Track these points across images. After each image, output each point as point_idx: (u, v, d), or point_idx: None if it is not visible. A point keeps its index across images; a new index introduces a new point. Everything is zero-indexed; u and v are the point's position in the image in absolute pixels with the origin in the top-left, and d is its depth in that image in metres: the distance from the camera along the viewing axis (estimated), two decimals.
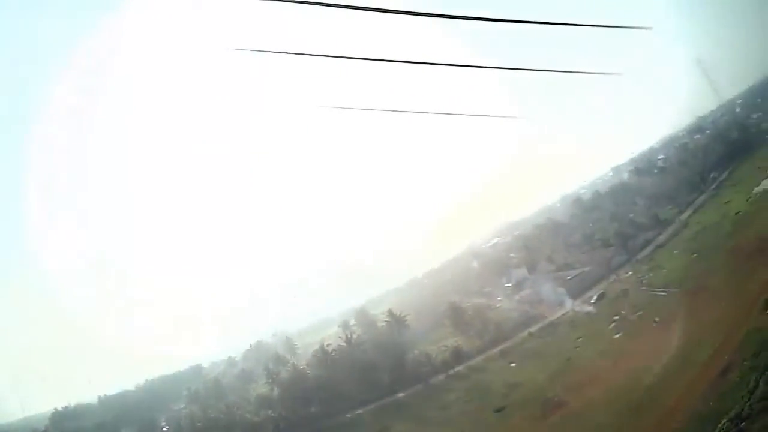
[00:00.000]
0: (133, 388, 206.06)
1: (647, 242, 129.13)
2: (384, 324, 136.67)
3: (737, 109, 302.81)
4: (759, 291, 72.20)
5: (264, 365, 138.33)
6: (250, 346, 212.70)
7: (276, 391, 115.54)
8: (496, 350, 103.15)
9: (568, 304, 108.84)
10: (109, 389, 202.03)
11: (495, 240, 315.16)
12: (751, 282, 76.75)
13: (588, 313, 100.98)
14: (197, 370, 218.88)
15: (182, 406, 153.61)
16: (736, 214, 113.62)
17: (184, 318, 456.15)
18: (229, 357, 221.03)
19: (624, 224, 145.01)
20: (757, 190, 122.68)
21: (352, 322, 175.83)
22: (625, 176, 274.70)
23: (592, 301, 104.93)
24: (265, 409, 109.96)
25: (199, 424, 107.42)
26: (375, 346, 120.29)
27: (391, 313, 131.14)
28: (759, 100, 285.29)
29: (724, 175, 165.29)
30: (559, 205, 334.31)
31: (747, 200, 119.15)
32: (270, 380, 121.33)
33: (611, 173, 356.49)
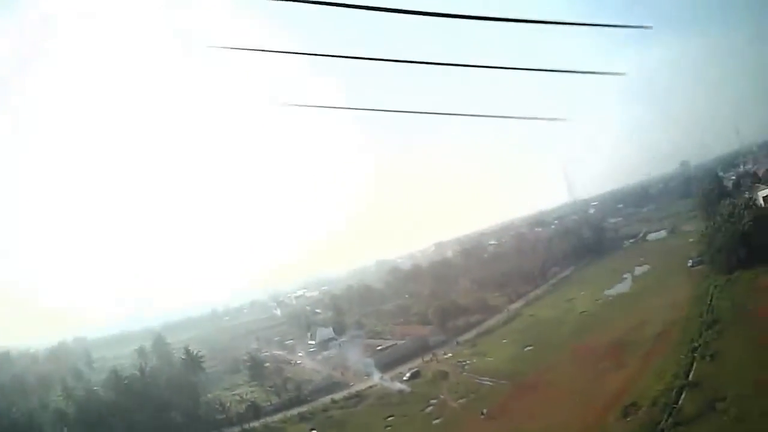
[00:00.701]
0: None
1: (470, 325, 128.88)
2: (180, 360, 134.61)
3: (591, 210, 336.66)
4: (614, 396, 68.33)
5: (61, 375, 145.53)
6: (52, 346, 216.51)
7: (72, 408, 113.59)
8: (294, 411, 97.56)
9: (376, 376, 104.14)
10: None
11: (302, 291, 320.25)
12: (604, 385, 73.12)
13: (400, 391, 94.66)
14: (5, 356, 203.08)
15: None
16: (581, 313, 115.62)
17: None
18: (32, 351, 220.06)
19: (445, 302, 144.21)
20: (609, 292, 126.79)
21: (149, 348, 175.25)
22: (449, 254, 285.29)
23: (405, 378, 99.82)
24: (61, 424, 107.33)
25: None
26: (169, 381, 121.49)
27: (187, 351, 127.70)
28: (620, 205, 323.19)
29: (568, 272, 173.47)
30: (373, 269, 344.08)
31: (596, 301, 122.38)
32: (65, 395, 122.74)
33: (433, 248, 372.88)
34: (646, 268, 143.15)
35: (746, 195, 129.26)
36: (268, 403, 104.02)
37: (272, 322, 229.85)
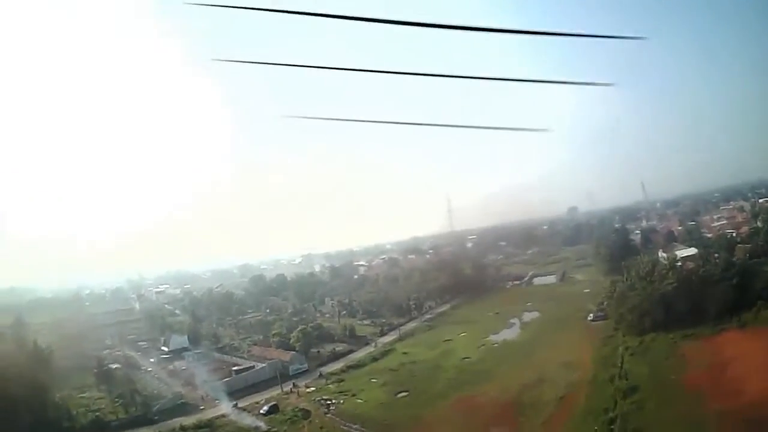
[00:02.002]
0: None
1: (337, 356, 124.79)
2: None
3: (468, 244, 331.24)
4: None
5: None
6: None
7: None
8: None
9: (229, 405, 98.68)
10: None
11: (164, 286, 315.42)
12: None
13: (256, 429, 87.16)
14: None
15: None
16: (463, 359, 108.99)
17: None
18: None
19: (309, 326, 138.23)
20: (494, 338, 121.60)
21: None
22: (317, 268, 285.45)
23: (262, 411, 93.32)
24: None
25: None
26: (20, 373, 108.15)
27: (36, 344, 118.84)
28: (503, 243, 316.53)
29: (445, 308, 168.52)
30: (237, 273, 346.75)
31: (479, 347, 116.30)
32: None
33: (300, 259, 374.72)
34: (535, 314, 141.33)
35: (662, 254, 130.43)
36: (114, 418, 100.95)
37: (130, 317, 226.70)
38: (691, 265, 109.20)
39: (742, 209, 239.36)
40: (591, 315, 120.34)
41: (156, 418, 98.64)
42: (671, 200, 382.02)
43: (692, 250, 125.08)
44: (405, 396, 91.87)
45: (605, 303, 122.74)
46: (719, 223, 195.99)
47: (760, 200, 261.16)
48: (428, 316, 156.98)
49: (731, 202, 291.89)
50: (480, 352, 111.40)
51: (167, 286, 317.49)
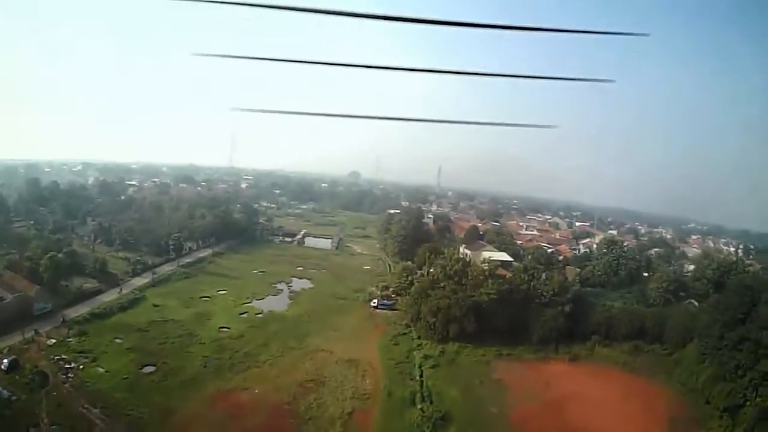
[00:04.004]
0: None
1: (84, 295, 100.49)
2: None
3: (243, 185, 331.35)
4: None
5: None
6: None
7: None
8: None
9: None
10: None
11: None
12: None
13: None
14: None
15: None
16: (220, 329, 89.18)
17: None
18: None
19: (64, 248, 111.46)
20: (258, 304, 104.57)
21: None
22: (90, 180, 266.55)
23: (3, 367, 70.46)
24: None
25: None
26: None
27: None
28: (278, 191, 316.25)
29: (207, 253, 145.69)
30: (22, 170, 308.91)
31: (240, 315, 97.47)
32: None
33: (81, 167, 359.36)
34: (307, 283, 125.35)
35: (465, 250, 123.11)
36: None
37: None
38: (508, 274, 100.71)
39: (557, 226, 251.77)
40: (375, 300, 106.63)
41: None
42: (464, 192, 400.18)
43: (506, 256, 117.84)
44: (153, 373, 71.46)
45: (393, 291, 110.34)
46: (529, 233, 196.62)
47: (577, 223, 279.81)
48: (187, 260, 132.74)
49: (539, 215, 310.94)
50: (242, 324, 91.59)
51: None
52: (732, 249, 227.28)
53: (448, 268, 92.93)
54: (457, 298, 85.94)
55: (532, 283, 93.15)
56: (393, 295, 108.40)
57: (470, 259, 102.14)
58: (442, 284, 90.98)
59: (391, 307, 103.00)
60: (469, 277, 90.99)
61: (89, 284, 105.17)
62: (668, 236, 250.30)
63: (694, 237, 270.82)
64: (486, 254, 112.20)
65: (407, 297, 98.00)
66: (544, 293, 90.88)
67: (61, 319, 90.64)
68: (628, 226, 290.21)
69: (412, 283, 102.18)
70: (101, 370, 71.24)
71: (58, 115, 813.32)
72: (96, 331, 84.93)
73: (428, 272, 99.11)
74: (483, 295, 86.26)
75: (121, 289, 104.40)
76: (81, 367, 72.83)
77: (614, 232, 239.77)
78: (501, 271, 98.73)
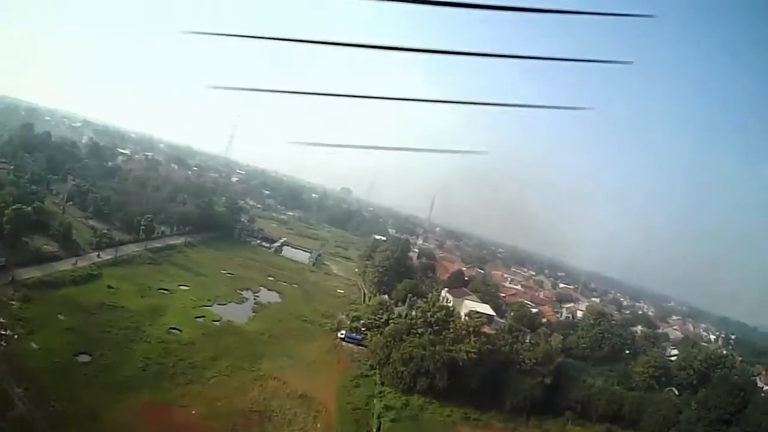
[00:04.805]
0: None
1: (40, 258, 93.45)
2: None
3: (234, 178, 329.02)
4: None
5: None
6: None
7: None
8: None
9: None
10: None
11: None
12: None
13: None
14: None
15: None
16: (170, 330, 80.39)
17: None
18: None
19: (34, 202, 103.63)
20: (218, 310, 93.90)
21: None
22: (84, 139, 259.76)
23: None
24: None
25: None
26: None
27: None
28: (267, 192, 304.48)
29: (178, 241, 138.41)
30: (23, 113, 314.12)
31: (195, 319, 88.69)
32: None
33: (80, 124, 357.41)
34: (275, 296, 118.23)
35: (447, 294, 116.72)
36: None
37: None
38: (490, 331, 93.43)
39: (541, 284, 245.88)
40: (343, 332, 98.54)
41: None
42: (452, 231, 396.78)
43: (489, 309, 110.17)
44: (87, 364, 63.34)
45: (365, 325, 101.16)
46: (513, 287, 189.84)
47: (561, 284, 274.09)
48: (157, 245, 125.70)
49: (524, 269, 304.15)
50: (195, 329, 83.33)
51: None
52: (712, 337, 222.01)
53: (429, 314, 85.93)
54: (433, 351, 78.73)
55: (515, 347, 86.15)
56: (363, 329, 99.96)
57: (453, 308, 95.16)
58: (419, 330, 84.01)
59: (357, 342, 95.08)
60: (451, 330, 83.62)
61: (50, 247, 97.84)
62: (650, 313, 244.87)
63: (675, 317, 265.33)
64: (469, 303, 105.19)
65: (379, 336, 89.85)
66: (527, 360, 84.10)
67: (11, 278, 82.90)
68: (611, 295, 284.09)
69: (387, 322, 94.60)
70: (34, 345, 64.09)
71: (72, 65, 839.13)
72: (41, 299, 77.06)
73: (407, 314, 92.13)
74: (462, 352, 78.98)
75: (76, 262, 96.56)
76: (16, 336, 65.57)
77: (597, 300, 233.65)
78: (484, 327, 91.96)
